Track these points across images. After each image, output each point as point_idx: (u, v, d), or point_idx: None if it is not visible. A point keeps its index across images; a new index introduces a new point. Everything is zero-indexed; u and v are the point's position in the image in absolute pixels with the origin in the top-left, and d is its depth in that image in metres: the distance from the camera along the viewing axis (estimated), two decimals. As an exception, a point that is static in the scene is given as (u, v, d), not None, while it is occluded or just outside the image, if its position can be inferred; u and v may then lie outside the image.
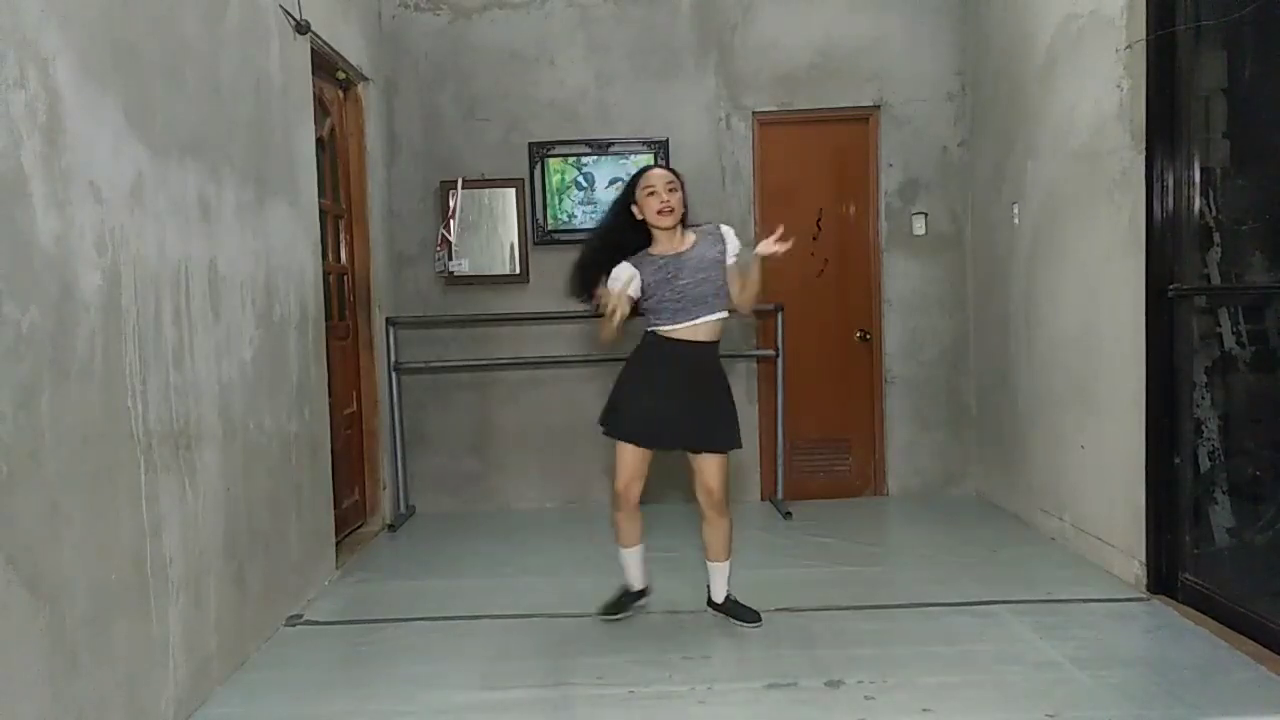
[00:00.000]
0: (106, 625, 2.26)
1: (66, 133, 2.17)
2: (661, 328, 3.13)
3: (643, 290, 3.11)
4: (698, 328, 3.10)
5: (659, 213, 3.08)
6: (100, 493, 2.26)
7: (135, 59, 2.49)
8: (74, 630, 2.13)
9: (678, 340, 3.11)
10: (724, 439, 3.20)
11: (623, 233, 3.16)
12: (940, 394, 5.20)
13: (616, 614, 3.34)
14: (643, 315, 3.18)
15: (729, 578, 3.33)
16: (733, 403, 3.26)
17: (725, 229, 3.23)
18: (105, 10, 2.35)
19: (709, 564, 3.34)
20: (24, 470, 1.99)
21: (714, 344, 3.17)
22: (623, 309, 3.05)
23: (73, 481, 2.15)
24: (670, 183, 3.12)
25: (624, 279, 3.09)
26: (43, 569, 2.04)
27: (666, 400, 3.12)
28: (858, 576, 3.77)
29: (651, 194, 3.09)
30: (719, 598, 3.33)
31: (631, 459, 3.20)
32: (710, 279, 3.11)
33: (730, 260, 3.17)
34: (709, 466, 3.21)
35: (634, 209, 3.14)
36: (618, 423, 3.21)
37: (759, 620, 3.24)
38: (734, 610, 3.29)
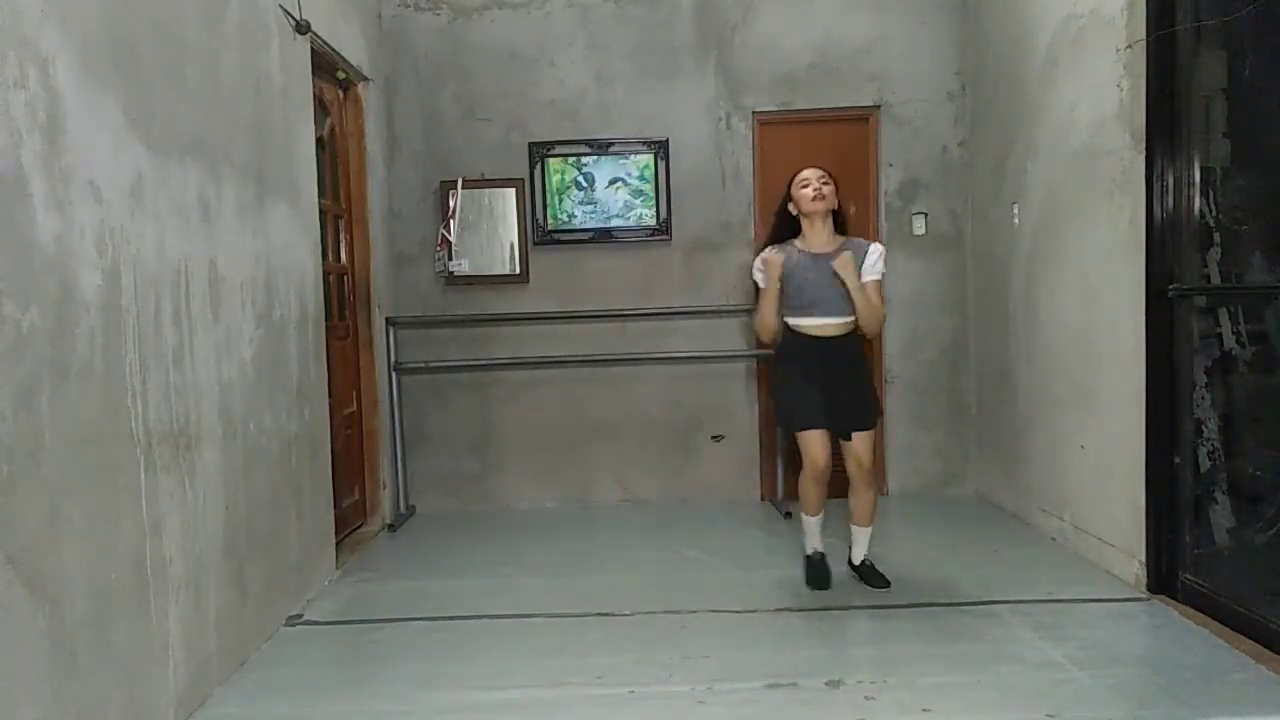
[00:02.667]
0: (106, 625, 2.26)
1: (66, 132, 2.17)
2: (790, 319, 3.52)
3: (784, 275, 3.47)
4: (820, 325, 3.45)
5: (813, 200, 3.42)
6: (100, 493, 2.26)
7: (135, 59, 2.49)
8: (74, 630, 2.13)
9: (807, 335, 3.48)
10: (872, 417, 3.53)
11: (781, 230, 3.57)
12: (940, 393, 5.20)
13: (824, 584, 3.60)
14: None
15: (869, 544, 3.63)
16: (872, 382, 3.68)
17: (874, 246, 3.50)
18: (105, 10, 2.35)
19: (853, 527, 3.64)
20: (24, 470, 1.99)
21: (844, 336, 3.47)
22: (773, 277, 3.48)
23: (72, 481, 2.15)
24: (823, 176, 3.46)
25: (765, 262, 3.52)
26: (42, 569, 2.04)
27: (824, 387, 3.44)
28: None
29: (805, 186, 3.44)
30: (857, 560, 3.65)
31: (819, 441, 3.45)
32: (836, 284, 3.40)
33: (870, 277, 3.44)
34: (860, 442, 3.49)
35: (790, 206, 3.51)
36: (797, 417, 3.48)
37: (888, 586, 3.53)
38: (867, 574, 3.60)
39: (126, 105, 2.43)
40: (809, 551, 3.67)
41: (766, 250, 3.54)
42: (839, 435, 3.50)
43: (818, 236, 3.47)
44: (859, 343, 3.53)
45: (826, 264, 3.41)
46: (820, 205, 3.43)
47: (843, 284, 3.38)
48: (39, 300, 2.06)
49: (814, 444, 3.44)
